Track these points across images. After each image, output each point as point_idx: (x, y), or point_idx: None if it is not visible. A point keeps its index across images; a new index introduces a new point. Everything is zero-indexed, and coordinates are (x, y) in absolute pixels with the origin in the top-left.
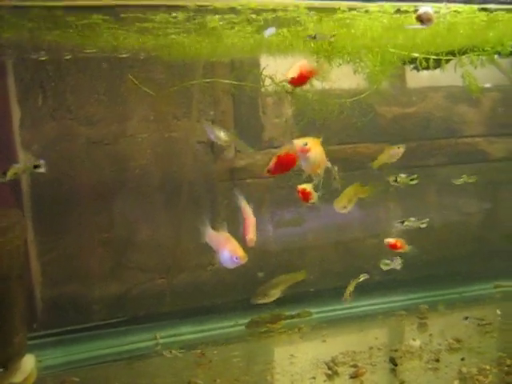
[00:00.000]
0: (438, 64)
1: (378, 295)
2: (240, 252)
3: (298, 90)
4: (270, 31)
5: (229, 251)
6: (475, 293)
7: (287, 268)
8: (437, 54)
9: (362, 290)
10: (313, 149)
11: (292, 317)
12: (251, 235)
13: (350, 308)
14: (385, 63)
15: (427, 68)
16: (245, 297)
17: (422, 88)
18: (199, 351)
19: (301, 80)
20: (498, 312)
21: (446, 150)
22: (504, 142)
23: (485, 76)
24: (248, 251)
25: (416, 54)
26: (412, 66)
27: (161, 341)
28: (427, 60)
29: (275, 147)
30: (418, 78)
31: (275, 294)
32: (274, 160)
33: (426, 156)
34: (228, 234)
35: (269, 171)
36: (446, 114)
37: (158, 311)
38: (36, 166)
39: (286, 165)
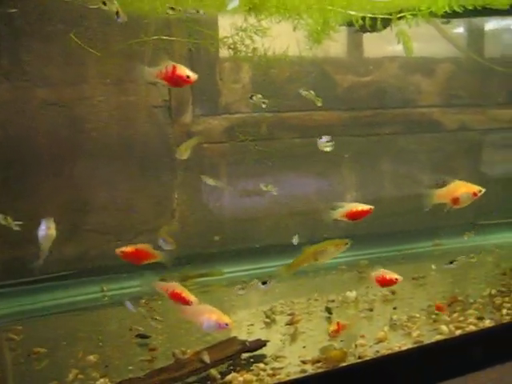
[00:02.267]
0: (375, 24)
1: None
2: (227, 318)
3: (255, 56)
4: (234, 3)
5: (215, 320)
6: (415, 250)
7: (241, 233)
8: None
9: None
10: None
11: (202, 275)
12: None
13: None
14: (327, 22)
15: (364, 28)
16: (197, 253)
17: (378, 57)
18: (143, 301)
19: None
20: (433, 267)
21: (402, 119)
22: (458, 113)
23: (439, 48)
24: (203, 215)
25: (352, 12)
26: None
27: (108, 293)
28: (364, 19)
29: (232, 113)
30: (374, 47)
31: None
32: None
33: (382, 125)
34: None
35: None
36: (402, 83)
37: (107, 265)
38: None
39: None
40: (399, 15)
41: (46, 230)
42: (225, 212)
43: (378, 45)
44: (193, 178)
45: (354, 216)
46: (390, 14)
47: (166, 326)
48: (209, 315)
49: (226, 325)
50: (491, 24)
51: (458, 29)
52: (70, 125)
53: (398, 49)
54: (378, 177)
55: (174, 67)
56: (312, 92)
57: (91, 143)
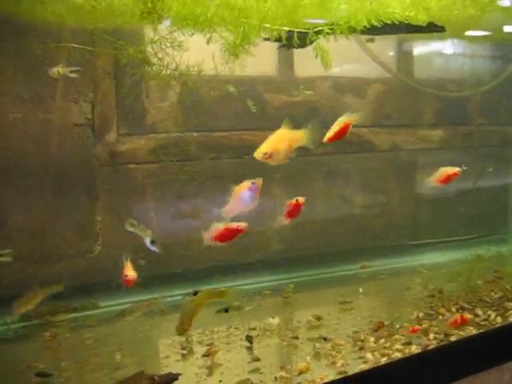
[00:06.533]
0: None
1: (247, 276)
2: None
3: (183, 75)
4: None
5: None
6: (343, 273)
7: (169, 255)
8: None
9: (232, 272)
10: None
11: (75, 309)
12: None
13: None
14: (246, 36)
15: (286, 44)
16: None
17: (310, 77)
18: (48, 334)
19: None
20: (361, 290)
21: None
22: (388, 133)
23: (371, 68)
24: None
25: (267, 25)
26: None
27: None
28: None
29: (159, 132)
30: (305, 67)
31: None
32: None
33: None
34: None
35: None
36: (333, 103)
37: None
38: None
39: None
40: (316, 29)
41: None
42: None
43: (309, 64)
44: (117, 199)
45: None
46: (308, 29)
47: (72, 361)
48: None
49: (252, 184)
50: (421, 46)
51: (388, 50)
52: None
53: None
54: (308, 197)
55: None
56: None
57: (5, 163)
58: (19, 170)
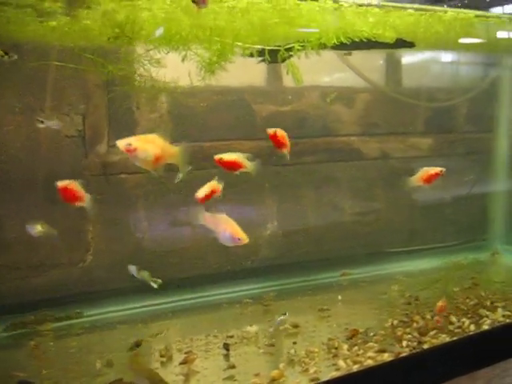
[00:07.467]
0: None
1: (227, 285)
2: (241, 233)
3: (172, 85)
4: (159, 31)
5: (230, 232)
6: (322, 281)
7: (160, 264)
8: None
9: (212, 281)
10: (141, 147)
11: (60, 318)
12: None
13: (198, 298)
14: (222, 53)
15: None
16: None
17: (298, 87)
18: (33, 343)
19: None
20: (339, 298)
21: (323, 147)
22: (376, 142)
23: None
24: (120, 248)
25: (239, 43)
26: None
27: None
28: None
29: None
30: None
31: None
32: None
33: (303, 153)
34: (226, 216)
35: None
36: (322, 112)
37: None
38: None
39: None
40: (287, 46)
41: None
42: (143, 244)
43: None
44: (109, 209)
45: None
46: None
47: (55, 369)
48: (225, 228)
49: (239, 239)
50: (406, 56)
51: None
52: None
53: (318, 78)
54: (294, 205)
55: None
56: None
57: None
58: (11, 181)
